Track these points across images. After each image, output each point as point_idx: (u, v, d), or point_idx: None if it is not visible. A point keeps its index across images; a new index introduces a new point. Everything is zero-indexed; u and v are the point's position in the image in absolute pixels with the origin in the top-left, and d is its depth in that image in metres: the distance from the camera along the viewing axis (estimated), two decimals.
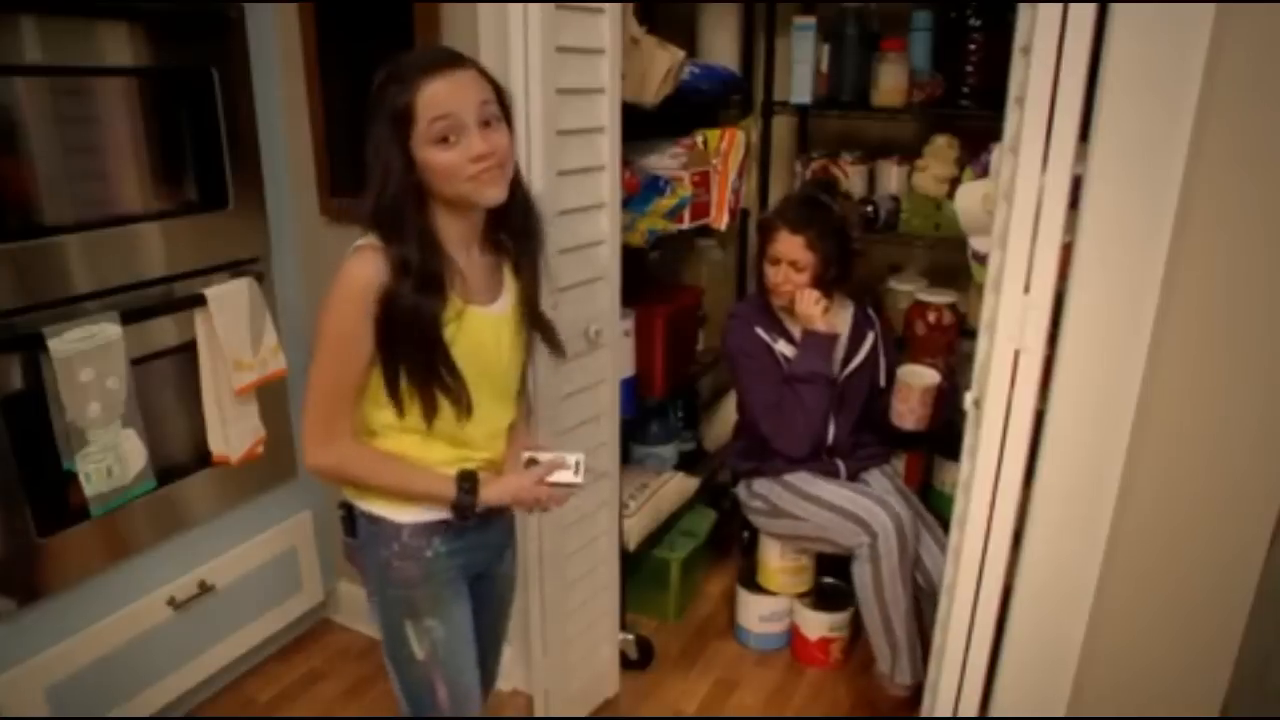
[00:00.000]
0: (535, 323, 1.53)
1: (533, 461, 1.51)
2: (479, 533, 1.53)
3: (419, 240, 1.33)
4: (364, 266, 1.32)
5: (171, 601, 2.12)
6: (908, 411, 2.30)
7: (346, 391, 1.38)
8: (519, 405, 1.60)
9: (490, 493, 1.46)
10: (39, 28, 1.71)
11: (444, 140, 1.29)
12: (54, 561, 1.87)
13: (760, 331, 2.33)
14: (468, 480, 1.43)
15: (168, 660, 2.15)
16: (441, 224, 1.38)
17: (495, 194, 1.35)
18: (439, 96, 1.28)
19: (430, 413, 1.40)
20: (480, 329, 1.42)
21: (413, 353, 1.36)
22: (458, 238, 1.40)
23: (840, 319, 2.35)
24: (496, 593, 1.66)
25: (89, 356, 1.79)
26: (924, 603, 2.25)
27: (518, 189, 1.43)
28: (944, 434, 2.49)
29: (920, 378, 2.30)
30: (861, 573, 2.23)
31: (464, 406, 1.41)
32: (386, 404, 1.40)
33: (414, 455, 1.44)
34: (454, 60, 1.32)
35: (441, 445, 1.45)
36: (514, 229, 1.47)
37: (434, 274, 1.34)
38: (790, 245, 2.23)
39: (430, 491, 1.43)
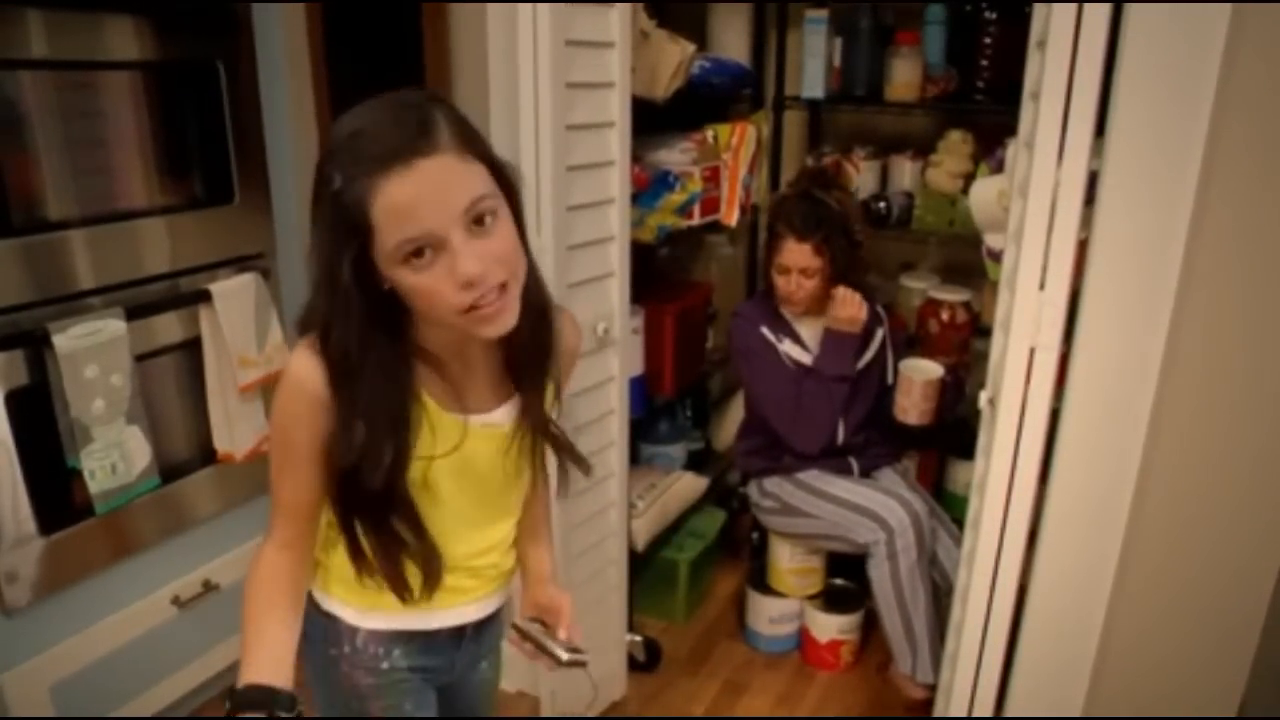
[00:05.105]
0: (545, 442, 1.20)
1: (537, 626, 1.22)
2: (453, 647, 1.27)
3: (375, 399, 1.01)
4: (307, 371, 1.03)
5: (176, 600, 2.11)
6: (910, 406, 2.28)
7: (297, 509, 1.11)
8: (539, 501, 1.33)
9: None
10: (45, 21, 1.70)
11: (418, 255, 0.94)
12: (57, 559, 1.86)
13: (765, 331, 2.31)
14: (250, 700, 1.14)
15: (172, 659, 2.14)
16: (422, 331, 1.07)
17: (500, 326, 1.01)
18: (403, 206, 0.92)
19: (391, 580, 1.13)
20: (472, 442, 1.13)
21: (363, 512, 1.09)
22: (447, 343, 1.08)
23: None
24: (468, 703, 1.38)
25: (93, 353, 1.78)
26: (941, 600, 2.23)
27: (528, 291, 1.06)
28: (956, 433, 2.47)
29: (922, 371, 2.28)
30: (879, 573, 2.20)
31: (431, 573, 1.13)
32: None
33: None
34: (421, 141, 0.92)
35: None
36: (516, 340, 1.10)
37: (387, 462, 1.03)
38: (799, 254, 2.20)
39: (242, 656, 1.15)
